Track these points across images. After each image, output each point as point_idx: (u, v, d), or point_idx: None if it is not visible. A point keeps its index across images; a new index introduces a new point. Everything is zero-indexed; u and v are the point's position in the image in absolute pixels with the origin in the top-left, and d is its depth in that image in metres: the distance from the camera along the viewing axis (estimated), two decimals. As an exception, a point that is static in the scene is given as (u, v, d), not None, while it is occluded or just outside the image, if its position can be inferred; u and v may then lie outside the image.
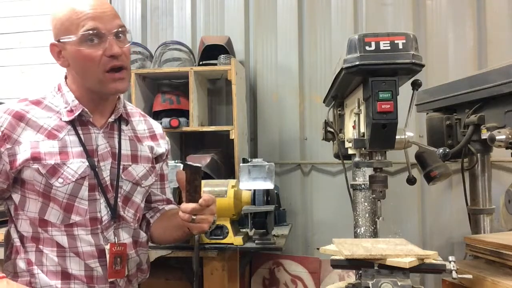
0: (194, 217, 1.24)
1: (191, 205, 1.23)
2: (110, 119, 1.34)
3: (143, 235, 1.42)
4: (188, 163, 1.26)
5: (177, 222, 1.33)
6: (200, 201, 1.23)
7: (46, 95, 1.33)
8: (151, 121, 1.52)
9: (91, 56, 1.22)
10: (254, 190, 2.08)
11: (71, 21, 1.22)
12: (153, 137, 1.48)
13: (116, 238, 1.30)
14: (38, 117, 1.27)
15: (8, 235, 1.35)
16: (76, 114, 1.28)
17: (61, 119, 1.28)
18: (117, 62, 1.24)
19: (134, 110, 1.49)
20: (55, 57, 1.29)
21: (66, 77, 1.35)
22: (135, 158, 1.38)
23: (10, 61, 3.34)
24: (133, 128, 1.43)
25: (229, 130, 2.67)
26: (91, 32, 1.21)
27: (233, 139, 2.64)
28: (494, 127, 1.54)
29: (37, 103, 1.30)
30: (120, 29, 1.25)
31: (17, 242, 1.29)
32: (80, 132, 1.29)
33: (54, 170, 1.23)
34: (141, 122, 1.47)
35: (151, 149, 1.44)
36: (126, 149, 1.37)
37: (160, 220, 1.48)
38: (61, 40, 1.25)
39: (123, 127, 1.39)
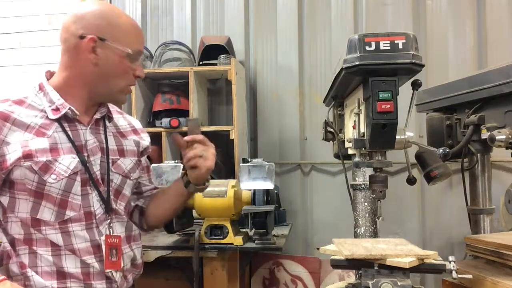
0: (200, 153, 1.37)
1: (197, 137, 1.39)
2: (96, 116, 1.37)
3: (135, 228, 1.45)
4: (188, 118, 1.39)
5: (174, 190, 1.48)
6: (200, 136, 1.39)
7: (28, 94, 1.32)
8: (129, 117, 1.57)
9: (127, 71, 1.33)
10: (254, 190, 2.08)
11: (127, 34, 1.31)
12: (135, 131, 1.52)
13: (110, 230, 1.32)
14: (23, 116, 1.26)
15: None
16: (63, 112, 1.29)
17: (47, 117, 1.29)
18: (135, 83, 1.40)
19: (111, 108, 1.50)
20: (86, 50, 1.27)
21: (47, 77, 1.35)
22: (122, 152, 1.42)
23: (10, 61, 3.34)
24: (115, 125, 1.46)
25: (229, 130, 2.67)
26: (137, 53, 1.34)
27: (233, 139, 2.64)
28: (494, 127, 1.54)
29: (20, 102, 1.29)
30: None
31: (7, 246, 1.27)
32: (67, 129, 1.30)
33: (46, 167, 1.23)
34: (120, 118, 1.51)
35: (137, 143, 1.49)
36: (112, 144, 1.40)
37: (154, 198, 1.55)
38: (107, 42, 1.27)
39: (107, 123, 1.42)
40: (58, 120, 1.29)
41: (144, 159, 1.53)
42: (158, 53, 2.86)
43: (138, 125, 1.55)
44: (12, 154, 1.22)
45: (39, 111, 1.29)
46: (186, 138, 1.39)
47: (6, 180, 1.25)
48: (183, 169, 1.47)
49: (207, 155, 1.38)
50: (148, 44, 3.14)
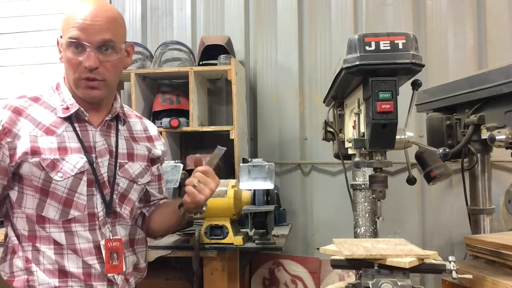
0: (196, 183, 1.31)
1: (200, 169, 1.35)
2: (107, 118, 1.36)
3: (140, 232, 1.46)
4: (219, 146, 1.42)
5: (173, 208, 1.42)
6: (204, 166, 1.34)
7: (44, 93, 1.35)
8: (147, 122, 1.55)
9: (71, 62, 1.27)
10: (254, 190, 2.08)
11: (65, 25, 1.28)
12: (149, 138, 1.50)
13: (111, 234, 1.31)
14: (36, 113, 1.29)
15: (5, 236, 1.35)
16: (72, 111, 1.30)
17: (58, 116, 1.30)
18: (90, 75, 1.26)
19: (130, 112, 1.51)
20: (59, 51, 1.34)
21: (64, 78, 1.37)
22: (131, 157, 1.40)
23: (10, 61, 3.34)
24: (129, 129, 1.45)
25: (229, 130, 2.67)
26: (73, 40, 1.24)
27: (233, 139, 2.64)
28: (494, 127, 1.55)
29: (35, 100, 1.32)
30: (105, 44, 1.26)
31: (14, 240, 1.29)
32: (77, 129, 1.31)
33: (53, 165, 1.24)
34: (137, 123, 1.49)
35: (149, 150, 1.46)
36: (122, 147, 1.39)
37: (156, 209, 1.53)
38: (60, 38, 1.30)
39: (120, 127, 1.41)
40: (69, 120, 1.30)
41: (156, 168, 1.50)
42: (158, 53, 2.86)
43: (154, 131, 1.53)
44: (21, 147, 1.23)
45: (51, 110, 1.31)
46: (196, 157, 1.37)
47: (16, 174, 1.26)
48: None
49: (201, 188, 1.32)
50: (148, 44, 3.14)
